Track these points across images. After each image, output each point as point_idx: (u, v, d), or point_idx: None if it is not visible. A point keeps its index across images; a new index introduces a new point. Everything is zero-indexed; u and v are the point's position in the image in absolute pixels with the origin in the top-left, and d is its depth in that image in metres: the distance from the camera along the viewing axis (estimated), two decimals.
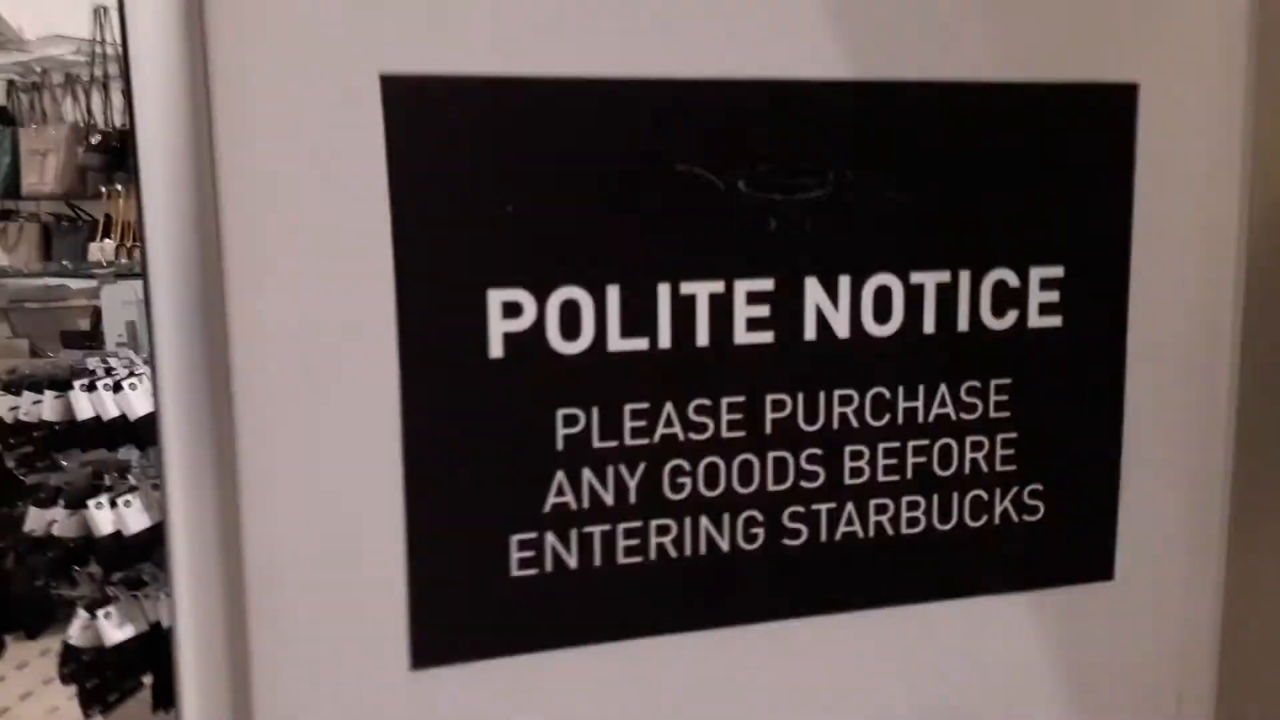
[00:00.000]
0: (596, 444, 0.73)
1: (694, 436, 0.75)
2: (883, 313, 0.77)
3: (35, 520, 2.75)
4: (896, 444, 0.79)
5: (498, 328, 0.70)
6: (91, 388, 2.69)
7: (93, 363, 2.79)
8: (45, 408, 2.71)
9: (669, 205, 0.72)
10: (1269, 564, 0.88)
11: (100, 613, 2.70)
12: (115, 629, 2.69)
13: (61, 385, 2.71)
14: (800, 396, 0.77)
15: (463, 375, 0.70)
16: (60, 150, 3.29)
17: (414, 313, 0.68)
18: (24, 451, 2.80)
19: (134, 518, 2.63)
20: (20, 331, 3.44)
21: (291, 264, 0.66)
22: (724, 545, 0.77)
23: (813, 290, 0.76)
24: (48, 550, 2.73)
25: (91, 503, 2.68)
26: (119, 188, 3.36)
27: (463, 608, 0.73)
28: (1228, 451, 0.87)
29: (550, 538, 0.74)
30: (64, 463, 2.90)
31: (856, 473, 0.79)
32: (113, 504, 2.67)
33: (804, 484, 0.78)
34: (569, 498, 0.74)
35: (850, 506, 0.79)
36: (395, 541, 0.71)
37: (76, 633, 2.72)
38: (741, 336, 0.75)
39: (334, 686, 0.72)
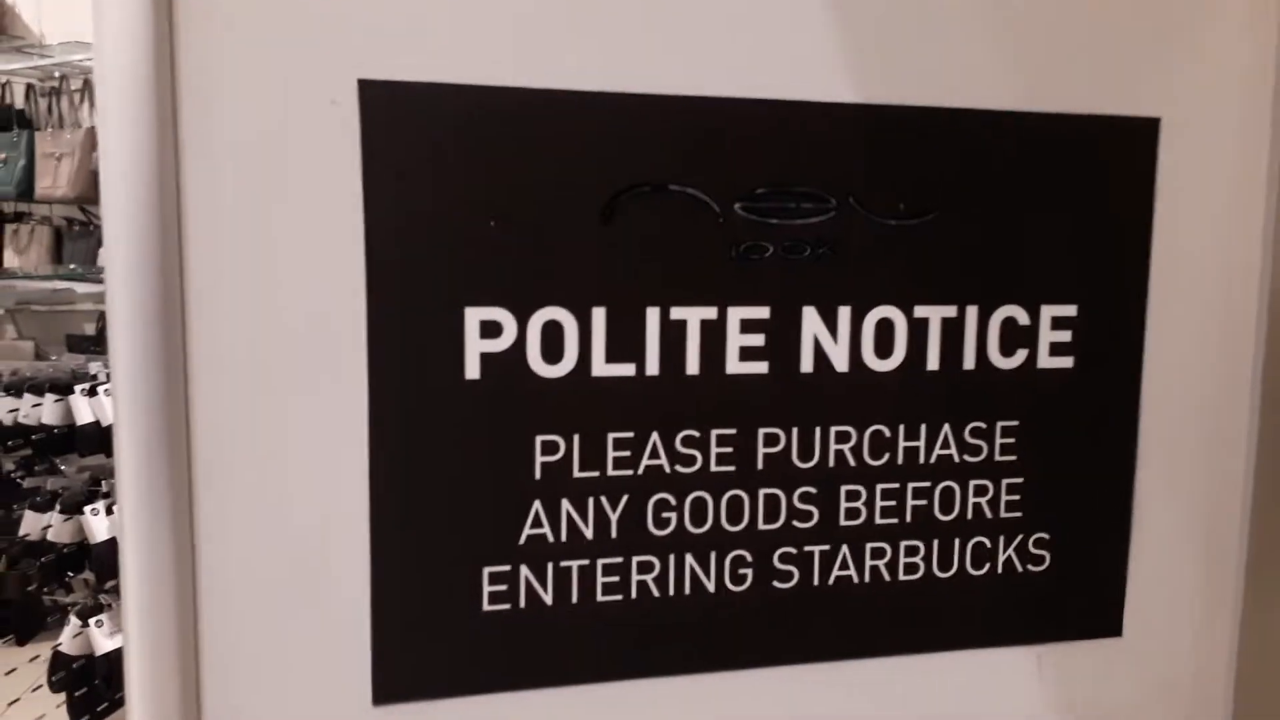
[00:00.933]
0: (577, 474, 0.70)
1: (681, 469, 0.72)
2: (884, 347, 0.74)
3: (30, 524, 2.73)
4: (895, 485, 0.75)
5: (475, 348, 0.67)
6: (93, 392, 2.67)
7: (95, 367, 2.78)
8: (45, 411, 2.69)
9: (660, 226, 0.69)
10: None
11: (92, 620, 2.67)
12: (106, 638, 2.66)
13: (63, 389, 2.69)
14: (795, 431, 0.73)
15: (436, 396, 0.67)
16: (75, 154, 3.29)
17: (385, 329, 0.65)
18: (22, 455, 2.78)
19: None
20: (26, 334, 3.43)
21: (255, 275, 0.63)
22: (710, 586, 0.73)
23: (810, 320, 0.72)
24: (42, 555, 2.71)
25: (88, 509, 2.66)
26: None
27: (429, 643, 0.69)
28: (1245, 501, 0.82)
29: (525, 571, 0.70)
30: (62, 467, 2.87)
31: (852, 514, 0.75)
32: (109, 510, 2.65)
33: (796, 524, 0.74)
34: (546, 530, 0.70)
35: (845, 550, 0.75)
36: (359, 570, 0.67)
37: (67, 640, 2.69)
38: (734, 366, 0.71)
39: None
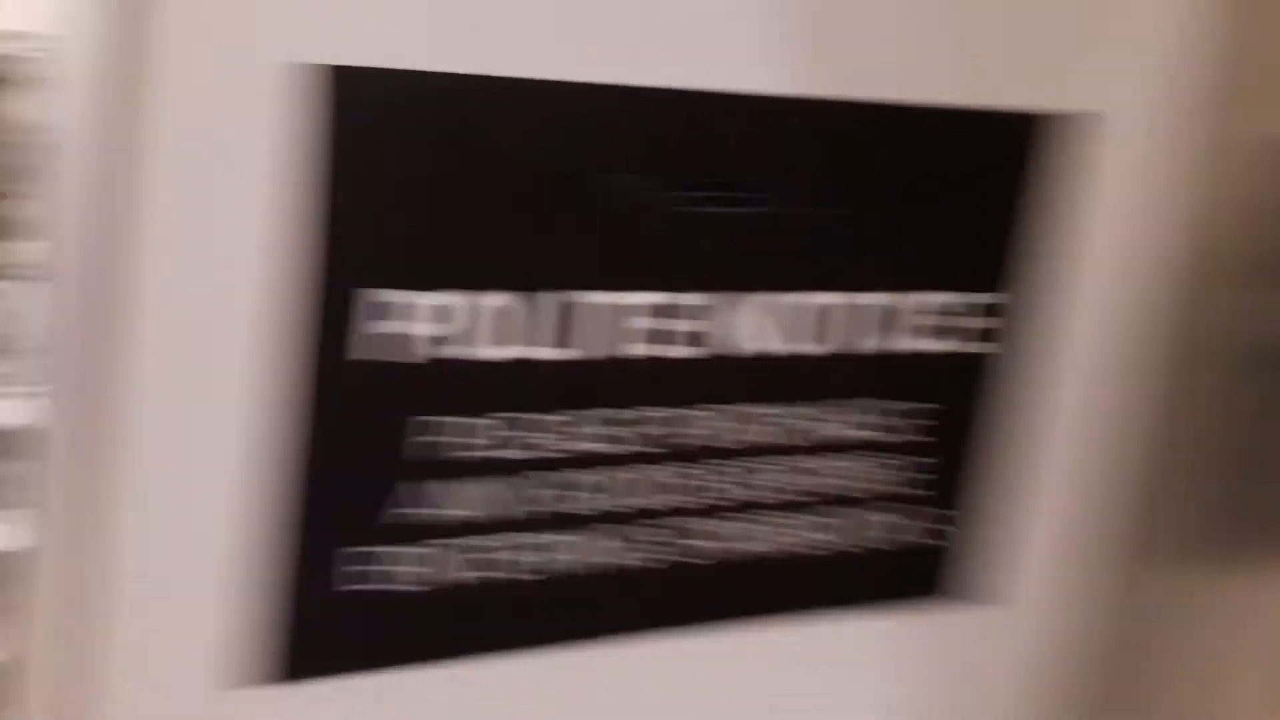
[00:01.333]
0: (463, 454, 0.67)
1: (593, 447, 0.70)
2: (811, 332, 0.75)
3: None
4: (813, 464, 0.76)
5: (364, 328, 0.64)
6: None
7: None
8: None
9: (592, 215, 0.68)
10: (1167, 593, 0.85)
11: None
12: None
13: None
14: (698, 411, 0.72)
15: (323, 377, 0.63)
16: None
17: (288, 309, 0.62)
18: None
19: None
20: None
21: (189, 266, 0.59)
22: (604, 560, 0.71)
23: (739, 307, 0.72)
24: None
25: None
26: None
27: (295, 623, 0.65)
28: (1130, 474, 0.84)
29: (394, 550, 0.67)
30: None
31: (759, 491, 0.75)
32: None
33: (680, 498, 0.73)
34: (419, 509, 0.67)
35: (747, 526, 0.74)
36: (245, 554, 0.63)
37: None
38: (648, 350, 0.70)
39: (145, 705, 0.64)
